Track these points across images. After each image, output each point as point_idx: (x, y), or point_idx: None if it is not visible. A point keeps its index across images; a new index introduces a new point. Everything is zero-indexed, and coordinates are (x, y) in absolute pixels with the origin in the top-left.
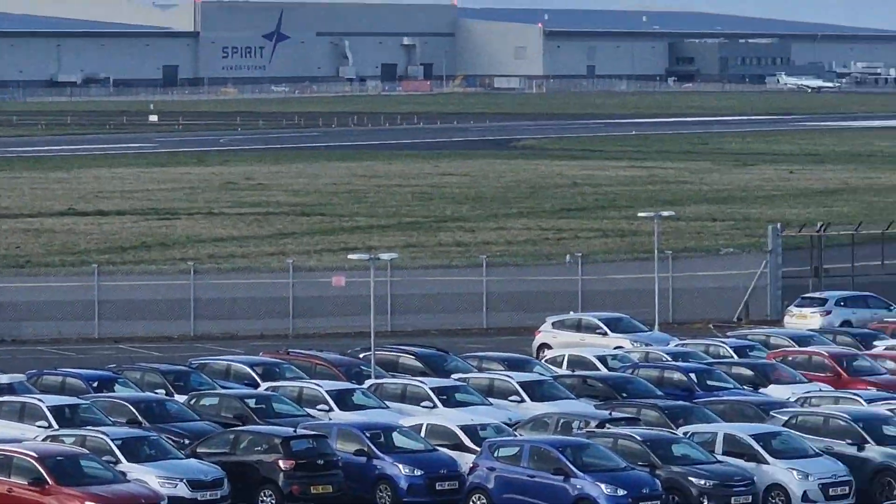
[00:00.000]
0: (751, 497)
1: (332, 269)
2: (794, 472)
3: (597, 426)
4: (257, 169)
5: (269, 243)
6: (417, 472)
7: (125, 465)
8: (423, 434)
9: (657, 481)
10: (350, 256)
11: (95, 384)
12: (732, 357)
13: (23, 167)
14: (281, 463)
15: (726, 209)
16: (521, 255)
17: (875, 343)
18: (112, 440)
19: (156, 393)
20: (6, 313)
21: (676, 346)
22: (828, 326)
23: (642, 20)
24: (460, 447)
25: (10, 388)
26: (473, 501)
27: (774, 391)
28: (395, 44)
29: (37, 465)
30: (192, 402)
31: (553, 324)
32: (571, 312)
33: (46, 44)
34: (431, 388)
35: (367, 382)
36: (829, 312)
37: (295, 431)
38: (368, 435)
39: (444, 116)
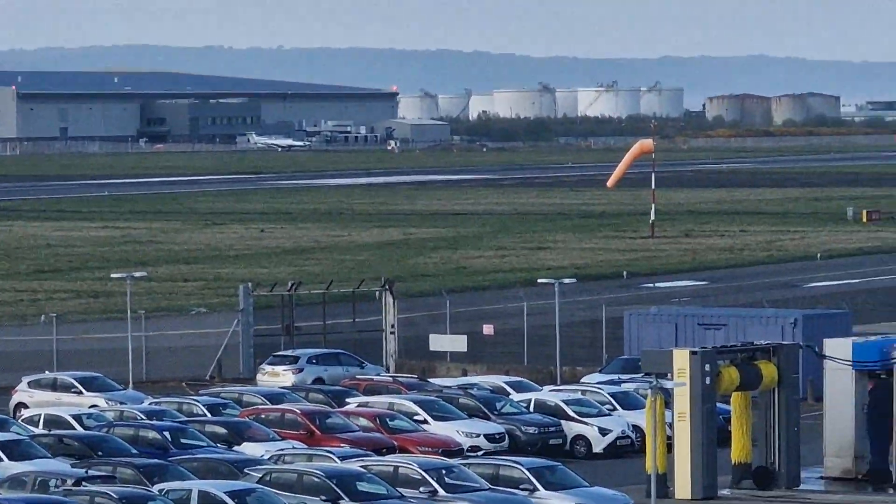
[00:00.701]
0: None
1: None
2: None
3: (73, 484)
4: None
5: None
6: None
7: None
8: None
9: None
10: None
11: None
12: (206, 415)
13: None
14: None
15: (198, 269)
16: None
17: (348, 400)
18: None
19: None
20: None
21: (150, 404)
22: (300, 384)
23: (114, 81)
24: None
25: None
26: None
27: (248, 448)
28: None
29: None
30: None
31: (29, 383)
32: (47, 372)
33: None
34: None
35: None
36: (301, 370)
37: None
38: None
39: None
